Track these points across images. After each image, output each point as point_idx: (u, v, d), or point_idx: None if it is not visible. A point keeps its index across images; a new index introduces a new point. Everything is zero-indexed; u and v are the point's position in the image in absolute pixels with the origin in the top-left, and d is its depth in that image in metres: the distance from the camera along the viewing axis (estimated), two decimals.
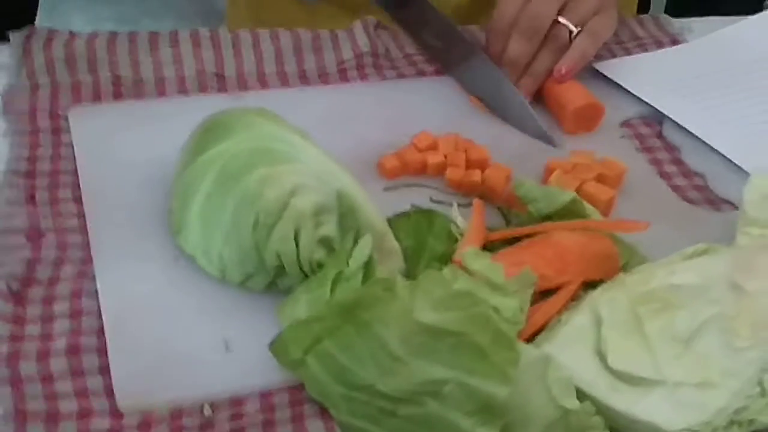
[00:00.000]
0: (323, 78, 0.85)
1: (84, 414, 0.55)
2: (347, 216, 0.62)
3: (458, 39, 0.86)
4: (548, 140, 0.79)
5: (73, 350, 0.58)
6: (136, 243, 0.66)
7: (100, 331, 0.60)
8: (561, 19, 0.80)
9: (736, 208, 0.74)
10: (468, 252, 0.56)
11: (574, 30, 0.81)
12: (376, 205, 0.63)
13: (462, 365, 0.52)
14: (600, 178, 0.71)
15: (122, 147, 0.73)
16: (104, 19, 2.70)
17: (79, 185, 0.70)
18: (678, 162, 0.79)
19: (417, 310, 0.53)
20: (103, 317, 0.60)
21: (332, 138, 0.73)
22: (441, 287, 0.53)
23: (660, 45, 0.94)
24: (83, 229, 0.67)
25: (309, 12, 0.99)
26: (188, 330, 0.60)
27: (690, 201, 0.75)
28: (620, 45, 0.93)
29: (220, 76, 0.83)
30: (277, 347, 0.58)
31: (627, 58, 0.90)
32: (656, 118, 0.84)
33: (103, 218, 0.67)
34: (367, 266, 0.58)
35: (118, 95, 0.80)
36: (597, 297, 0.59)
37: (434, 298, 0.53)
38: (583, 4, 0.81)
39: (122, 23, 2.75)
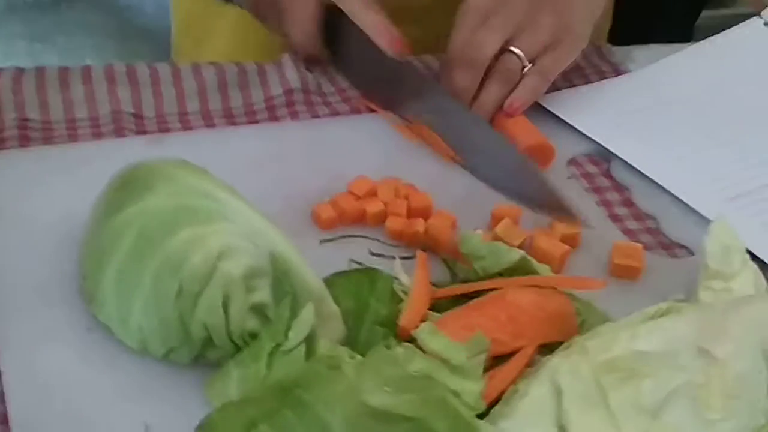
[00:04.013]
0: (250, 116, 0.79)
1: None
2: (282, 280, 0.56)
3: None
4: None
5: None
6: (44, 313, 0.59)
7: (4, 419, 0.53)
8: (512, 49, 0.76)
9: (692, 252, 0.71)
10: (423, 328, 0.51)
11: (526, 63, 0.77)
12: (312, 268, 0.58)
13: None
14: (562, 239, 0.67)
15: (29, 202, 0.66)
16: (17, 36, 2.60)
17: None
18: (628, 203, 0.75)
19: (365, 391, 0.48)
20: (7, 404, 0.54)
21: (262, 184, 0.69)
22: (393, 367, 0.48)
23: (602, 75, 0.90)
24: None
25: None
26: (104, 414, 0.54)
27: (643, 246, 0.71)
28: (562, 75, 0.89)
29: (138, 117, 0.77)
30: (205, 431, 0.52)
31: (570, 90, 0.86)
32: (603, 155, 0.80)
33: (7, 284, 0.60)
34: (309, 340, 0.53)
35: (24, 140, 0.73)
36: (556, 365, 0.54)
37: (385, 379, 0.48)
38: (534, 34, 0.77)
39: (36, 40, 2.67)
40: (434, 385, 0.47)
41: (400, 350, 0.48)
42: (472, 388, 0.48)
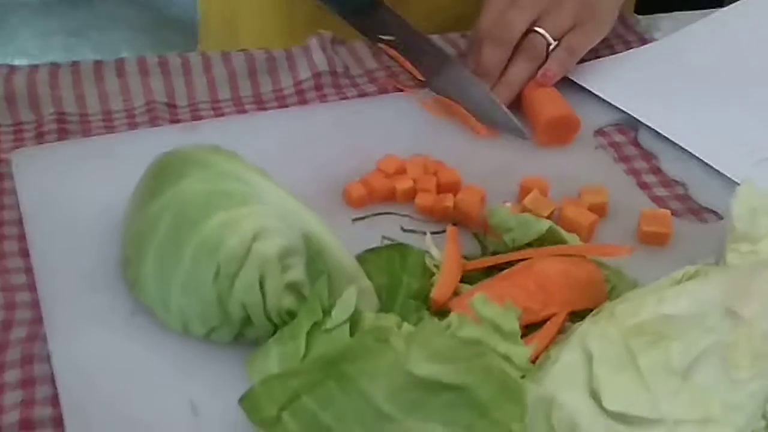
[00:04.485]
0: (280, 101, 0.81)
1: None
2: (316, 259, 0.58)
3: (426, 45, 0.83)
4: (519, 132, 0.77)
5: (27, 425, 0.54)
6: (89, 298, 0.61)
7: (55, 400, 0.55)
8: (537, 29, 0.79)
9: (721, 217, 0.71)
10: (477, 298, 0.52)
11: (552, 42, 0.79)
12: (344, 246, 0.59)
13: (460, 423, 0.48)
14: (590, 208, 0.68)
15: (70, 192, 0.68)
16: (52, 32, 2.64)
17: (25, 237, 0.65)
18: (656, 171, 0.76)
19: (412, 361, 0.49)
20: (58, 385, 0.56)
21: (294, 166, 0.70)
22: (443, 337, 0.49)
23: (628, 45, 0.90)
24: (32, 286, 0.62)
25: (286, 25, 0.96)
26: (150, 393, 0.56)
27: (672, 212, 0.72)
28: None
29: (172, 106, 0.79)
30: (248, 403, 0.54)
31: (595, 61, 0.86)
32: (630, 124, 0.80)
33: (53, 272, 0.63)
34: (353, 319, 0.55)
35: (63, 134, 0.75)
36: (585, 331, 0.55)
37: (434, 349, 0.49)
38: (558, 16, 0.80)
39: (70, 35, 2.70)
40: (484, 350, 0.49)
41: (452, 318, 0.50)
42: (522, 352, 0.49)
